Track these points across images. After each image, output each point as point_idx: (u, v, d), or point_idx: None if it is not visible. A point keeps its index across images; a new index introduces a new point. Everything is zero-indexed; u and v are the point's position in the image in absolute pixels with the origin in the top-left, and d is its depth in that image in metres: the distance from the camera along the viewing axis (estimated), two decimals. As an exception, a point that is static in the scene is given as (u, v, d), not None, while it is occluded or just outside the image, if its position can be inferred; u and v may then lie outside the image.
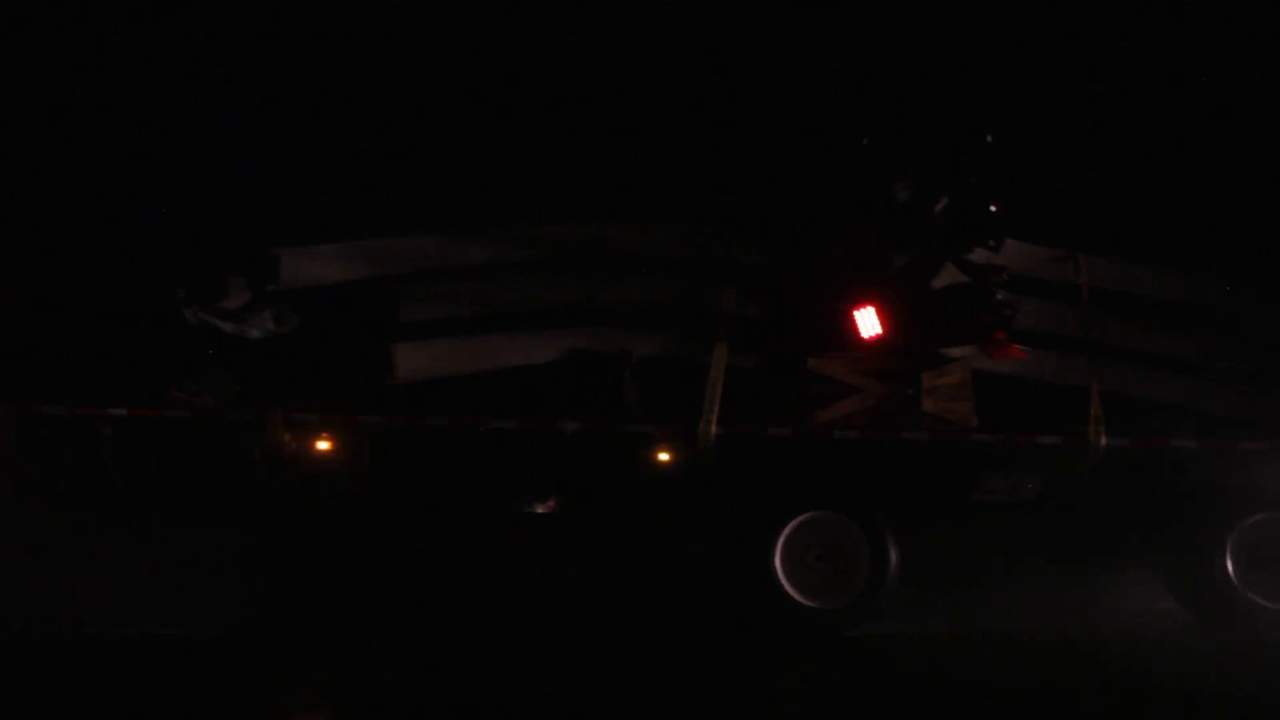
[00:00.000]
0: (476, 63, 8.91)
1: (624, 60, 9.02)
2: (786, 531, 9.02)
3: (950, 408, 9.14)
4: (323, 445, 9.40)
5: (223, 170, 8.78)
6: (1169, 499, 9.22)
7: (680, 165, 9.06)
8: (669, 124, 8.97)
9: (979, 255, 8.58)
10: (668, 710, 7.29)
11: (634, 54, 9.03)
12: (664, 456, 9.19)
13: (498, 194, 9.04)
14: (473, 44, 8.82)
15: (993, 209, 8.24)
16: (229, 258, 8.59)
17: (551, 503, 9.33)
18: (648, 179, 9.14)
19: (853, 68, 8.59)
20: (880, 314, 8.49)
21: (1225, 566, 9.03)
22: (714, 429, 9.00)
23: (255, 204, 8.68)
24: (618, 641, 8.90)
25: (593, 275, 9.21)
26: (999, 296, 8.38)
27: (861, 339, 8.72)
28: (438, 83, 8.90)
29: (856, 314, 8.64)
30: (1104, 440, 8.96)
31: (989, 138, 8.21)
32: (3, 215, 9.06)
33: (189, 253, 8.62)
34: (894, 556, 8.97)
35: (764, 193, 9.03)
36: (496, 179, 9.07)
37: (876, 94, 8.44)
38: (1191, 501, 9.16)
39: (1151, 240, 9.55)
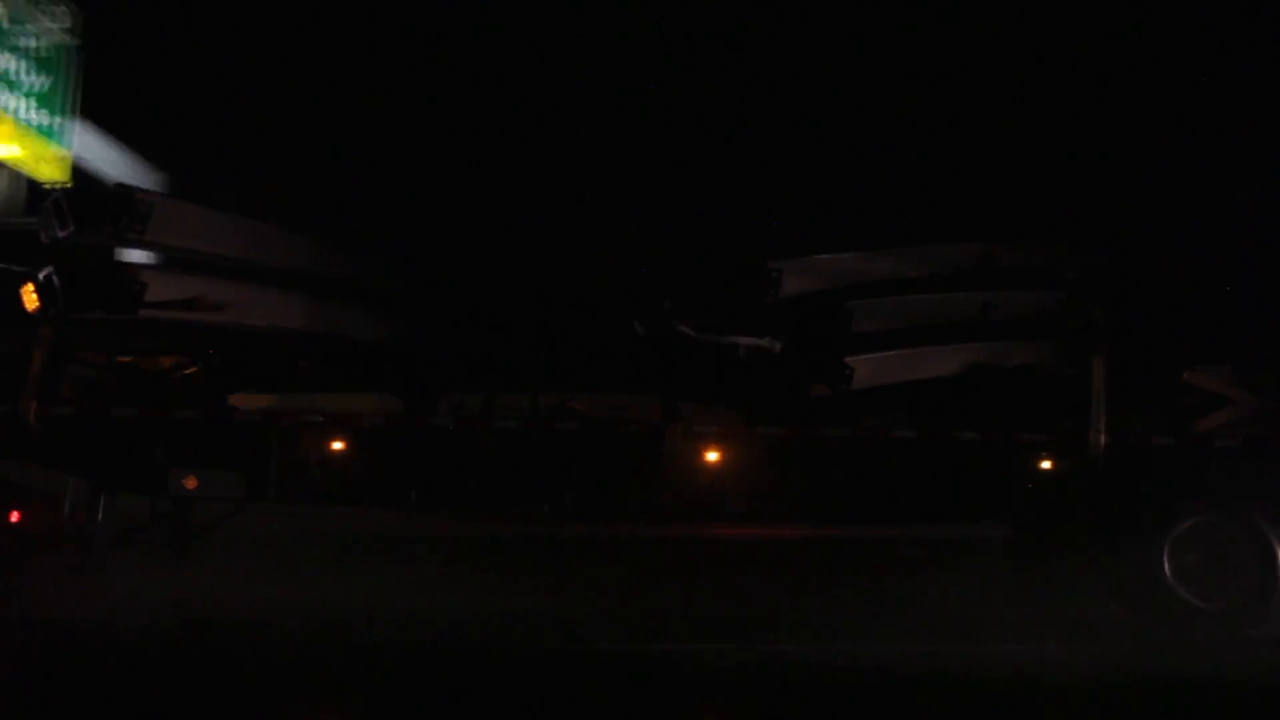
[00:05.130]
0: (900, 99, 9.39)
1: (1016, 85, 9.51)
2: (1174, 534, 9.42)
3: (1317, 417, 9.64)
4: (712, 455, 9.74)
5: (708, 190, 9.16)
6: None
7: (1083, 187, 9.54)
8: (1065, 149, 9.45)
9: None
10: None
11: (1033, 83, 9.52)
12: (1052, 464, 9.64)
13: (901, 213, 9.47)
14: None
15: None
16: (720, 271, 8.94)
17: (945, 508, 9.66)
18: (1036, 200, 9.61)
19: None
20: None
21: None
22: (1103, 437, 9.44)
23: (733, 219, 9.04)
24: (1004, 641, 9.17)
25: (984, 291, 9.65)
26: None
27: None
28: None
29: None
30: None
31: None
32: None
33: (680, 265, 8.95)
34: (1280, 560, 9.39)
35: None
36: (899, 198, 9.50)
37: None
38: None
39: None
